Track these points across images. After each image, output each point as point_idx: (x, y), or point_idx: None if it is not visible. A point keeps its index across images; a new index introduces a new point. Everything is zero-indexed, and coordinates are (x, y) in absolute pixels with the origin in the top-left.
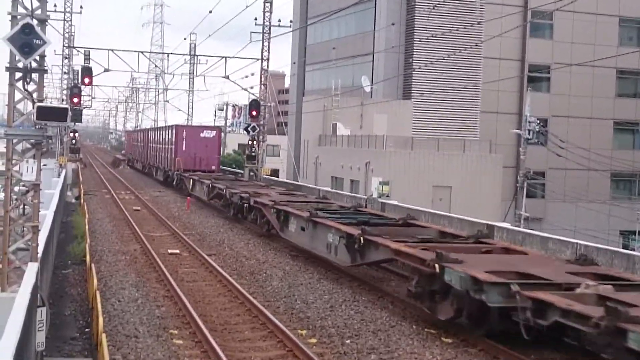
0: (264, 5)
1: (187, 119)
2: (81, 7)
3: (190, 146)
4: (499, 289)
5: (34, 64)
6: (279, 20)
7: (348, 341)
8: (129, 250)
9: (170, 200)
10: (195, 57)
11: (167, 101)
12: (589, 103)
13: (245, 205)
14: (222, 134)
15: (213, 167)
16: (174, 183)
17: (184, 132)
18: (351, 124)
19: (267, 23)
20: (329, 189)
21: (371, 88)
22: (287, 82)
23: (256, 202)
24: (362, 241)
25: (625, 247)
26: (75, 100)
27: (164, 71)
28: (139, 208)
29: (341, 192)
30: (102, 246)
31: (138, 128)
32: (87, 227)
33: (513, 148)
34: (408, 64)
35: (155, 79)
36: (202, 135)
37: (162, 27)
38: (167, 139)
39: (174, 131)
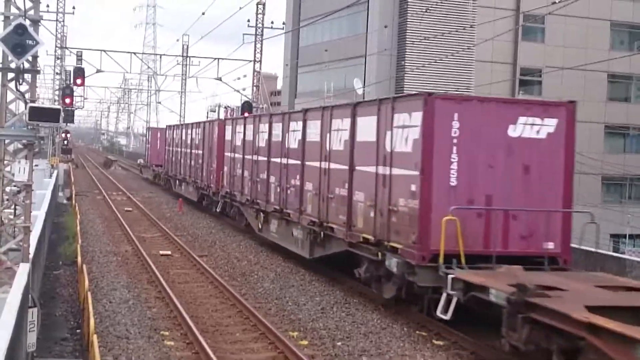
0: (257, 7)
1: (179, 120)
2: (74, 7)
3: (476, 170)
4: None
5: (26, 65)
6: (272, 23)
7: (339, 343)
8: (121, 251)
9: (162, 201)
10: (188, 58)
11: (160, 102)
12: (581, 107)
13: None
14: None
15: (550, 246)
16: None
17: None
18: None
19: (260, 25)
20: None
21: (363, 90)
22: (279, 84)
23: None
24: None
25: (615, 250)
26: (68, 100)
27: (157, 72)
28: (130, 209)
29: None
30: (94, 247)
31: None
32: (78, 227)
33: None
34: (400, 66)
35: (148, 80)
36: (512, 132)
37: (155, 29)
38: (378, 148)
39: (431, 114)
